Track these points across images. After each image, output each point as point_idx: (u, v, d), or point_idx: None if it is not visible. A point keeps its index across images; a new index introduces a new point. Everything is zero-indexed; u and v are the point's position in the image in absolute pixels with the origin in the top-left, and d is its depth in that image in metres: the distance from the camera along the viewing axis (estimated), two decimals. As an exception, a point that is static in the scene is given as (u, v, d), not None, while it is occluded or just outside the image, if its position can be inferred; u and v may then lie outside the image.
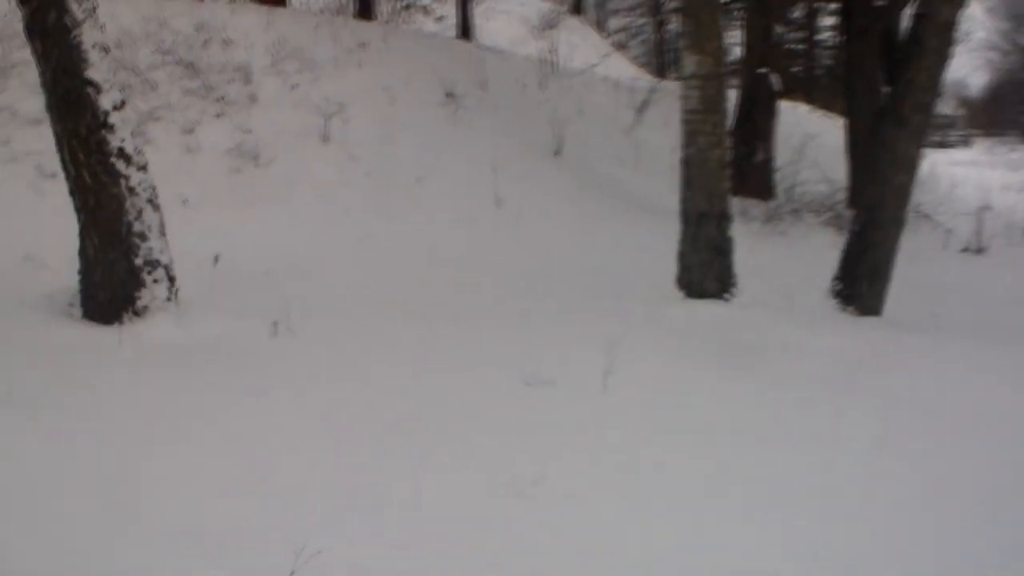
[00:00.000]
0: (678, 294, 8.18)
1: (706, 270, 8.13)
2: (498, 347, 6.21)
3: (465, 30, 19.01)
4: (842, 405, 5.52)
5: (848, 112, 15.55)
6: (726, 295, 8.12)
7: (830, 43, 28.95)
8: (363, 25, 15.55)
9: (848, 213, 13.49)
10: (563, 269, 9.27)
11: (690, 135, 8.17)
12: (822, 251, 11.70)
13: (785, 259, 11.13)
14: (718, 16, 8.27)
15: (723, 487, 4.30)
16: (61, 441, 4.21)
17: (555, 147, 13.06)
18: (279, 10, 14.52)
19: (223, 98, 11.36)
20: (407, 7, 20.57)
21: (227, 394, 4.97)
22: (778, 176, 15.16)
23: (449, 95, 12.98)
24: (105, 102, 5.86)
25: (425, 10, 21.51)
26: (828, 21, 27.84)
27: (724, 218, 8.20)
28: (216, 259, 6.58)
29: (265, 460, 4.18)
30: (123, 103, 6.02)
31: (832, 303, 8.48)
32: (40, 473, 3.90)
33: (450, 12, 20.98)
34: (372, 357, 5.83)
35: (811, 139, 16.28)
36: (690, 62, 8.10)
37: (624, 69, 25.25)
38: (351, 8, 18.45)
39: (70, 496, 3.72)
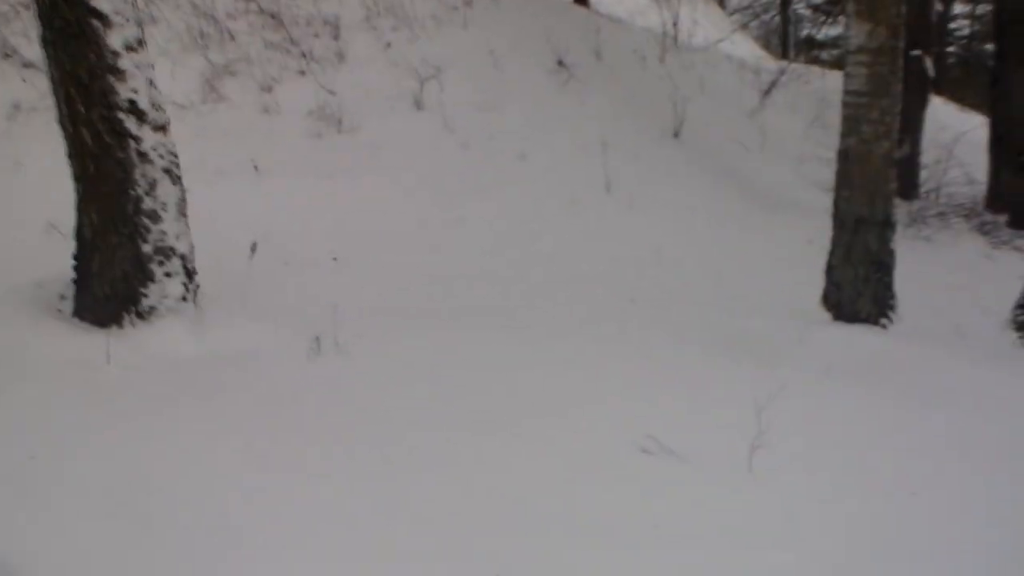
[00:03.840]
0: (824, 315, 6.75)
1: (861, 288, 6.68)
2: (606, 388, 4.71)
3: (582, -6, 17.55)
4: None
5: (994, 107, 13.80)
6: (883, 320, 6.65)
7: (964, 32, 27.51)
8: (471, -18, 14.27)
9: (995, 219, 12.10)
10: (682, 273, 7.86)
11: (852, 122, 6.67)
12: (975, 262, 10.40)
13: (934, 271, 9.58)
14: (900, -25, 6.71)
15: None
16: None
17: (674, 127, 11.61)
18: (379, -40, 13.27)
19: (308, 54, 10.23)
20: (521, -33, 19.22)
21: (221, 454, 3.55)
22: (923, 174, 13.54)
23: (560, 63, 11.66)
24: (115, 40, 4.51)
25: (541, -28, 20.16)
26: (961, 8, 26.33)
27: (887, 226, 6.72)
28: (253, 248, 5.19)
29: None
30: (140, 43, 4.63)
31: (1014, 336, 6.98)
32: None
33: (567, -24, 19.60)
34: (441, 399, 4.35)
35: (962, 135, 14.66)
36: (859, 32, 6.59)
37: (748, 49, 23.72)
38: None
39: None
